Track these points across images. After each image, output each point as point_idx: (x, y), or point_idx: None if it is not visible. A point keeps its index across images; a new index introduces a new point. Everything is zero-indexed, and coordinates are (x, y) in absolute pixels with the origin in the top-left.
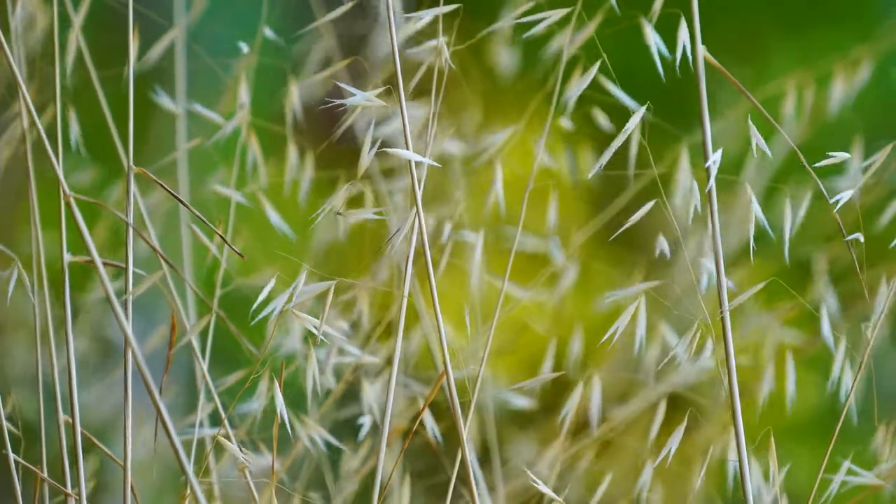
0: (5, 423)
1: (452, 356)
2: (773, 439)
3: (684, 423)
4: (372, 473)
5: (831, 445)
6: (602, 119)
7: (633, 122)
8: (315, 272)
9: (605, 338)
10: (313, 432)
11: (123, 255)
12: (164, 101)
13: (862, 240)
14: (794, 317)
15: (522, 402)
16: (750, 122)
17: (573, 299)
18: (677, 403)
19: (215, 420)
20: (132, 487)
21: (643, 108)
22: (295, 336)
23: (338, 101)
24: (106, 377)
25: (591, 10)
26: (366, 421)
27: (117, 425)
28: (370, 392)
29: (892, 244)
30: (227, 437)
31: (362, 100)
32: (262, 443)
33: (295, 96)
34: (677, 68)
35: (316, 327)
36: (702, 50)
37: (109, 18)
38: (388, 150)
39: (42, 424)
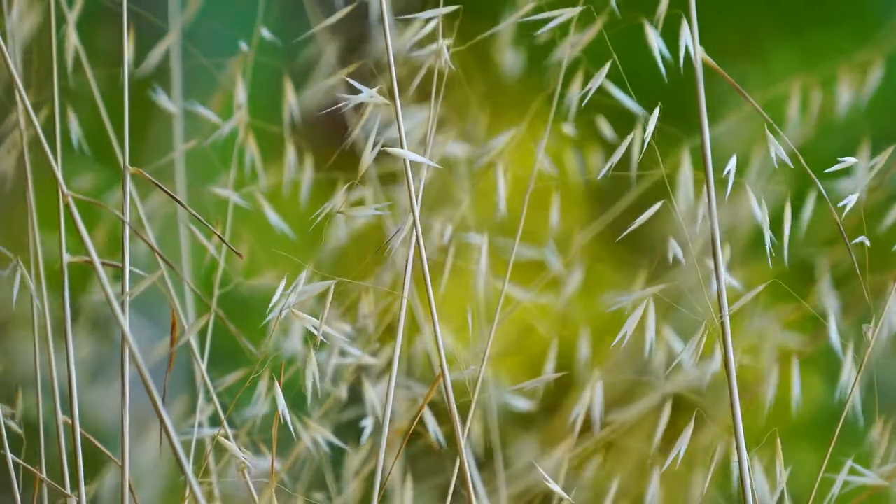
0: (7, 424)
1: (450, 358)
2: (778, 441)
3: (691, 426)
4: (373, 474)
5: (832, 445)
6: (606, 127)
7: (648, 131)
8: (317, 272)
9: (616, 342)
10: (315, 433)
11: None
12: (162, 100)
13: (868, 243)
14: (796, 319)
15: (523, 405)
16: (767, 131)
17: (576, 301)
18: (681, 405)
19: (217, 421)
20: (131, 488)
21: (654, 114)
22: (296, 337)
23: (339, 104)
24: (116, 378)
25: (592, 12)
26: (367, 423)
27: (134, 424)
28: (372, 393)
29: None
30: (227, 438)
31: (367, 97)
32: (263, 444)
33: (292, 97)
34: (680, 69)
35: (316, 328)
36: (699, 51)
37: (106, 18)
38: (389, 149)
39: (41, 425)
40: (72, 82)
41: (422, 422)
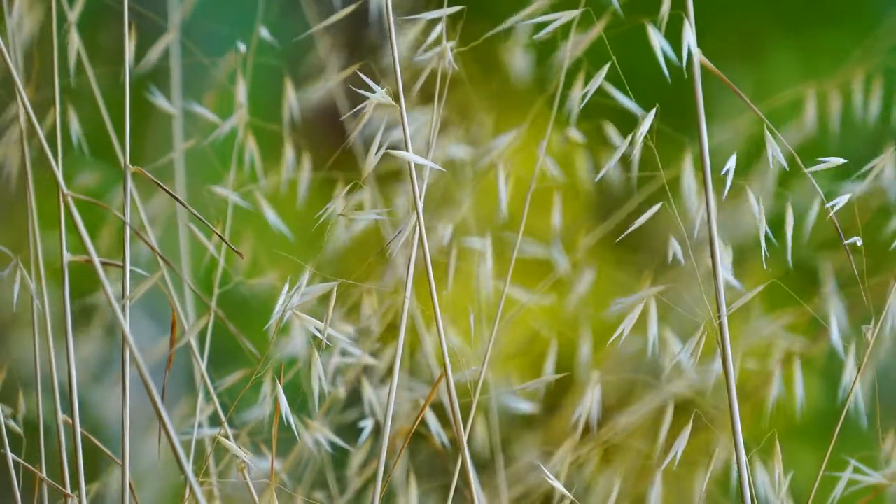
0: (8, 424)
1: (452, 359)
2: (777, 442)
3: (689, 427)
4: (374, 475)
5: (832, 445)
6: (609, 130)
7: (642, 131)
8: (318, 273)
9: (612, 340)
10: (317, 434)
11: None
12: (160, 101)
13: (860, 243)
14: (799, 321)
15: (525, 407)
16: (767, 132)
17: (578, 302)
18: (685, 407)
19: (217, 421)
20: (132, 488)
21: (650, 115)
22: (297, 338)
23: (343, 105)
24: (117, 378)
25: (595, 12)
26: (367, 423)
27: (136, 424)
28: (372, 394)
29: (893, 246)
30: (227, 438)
31: (378, 98)
32: (264, 444)
33: (293, 96)
34: (682, 70)
35: (319, 329)
36: (698, 53)
37: (106, 17)
38: (393, 152)
39: (41, 425)
40: (73, 82)
41: (424, 423)
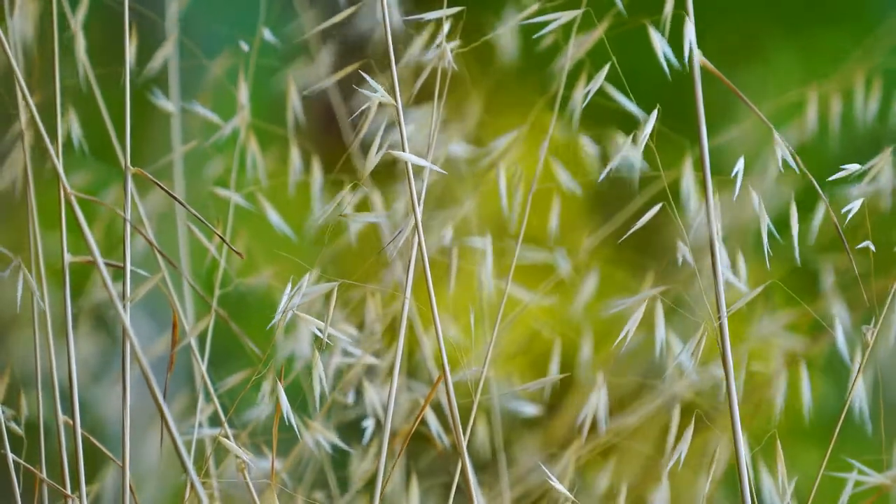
0: (8, 424)
1: (452, 359)
2: (778, 443)
3: (691, 428)
4: (375, 475)
5: (831, 446)
6: (610, 131)
7: (645, 133)
8: (319, 274)
9: (617, 342)
10: (318, 435)
11: (119, 255)
12: (161, 101)
13: (873, 248)
14: (803, 323)
15: (527, 409)
16: (776, 136)
17: (580, 303)
18: (689, 408)
19: (217, 421)
20: (132, 488)
21: (652, 116)
22: (299, 338)
23: (346, 106)
24: (117, 378)
25: (596, 12)
26: (369, 423)
27: (136, 425)
28: (374, 395)
29: None
30: (227, 438)
31: (380, 97)
32: (265, 444)
33: (295, 98)
34: (684, 70)
35: (321, 330)
36: (697, 55)
37: (105, 16)
38: (393, 152)
39: (41, 425)
40: (81, 84)
41: (424, 423)
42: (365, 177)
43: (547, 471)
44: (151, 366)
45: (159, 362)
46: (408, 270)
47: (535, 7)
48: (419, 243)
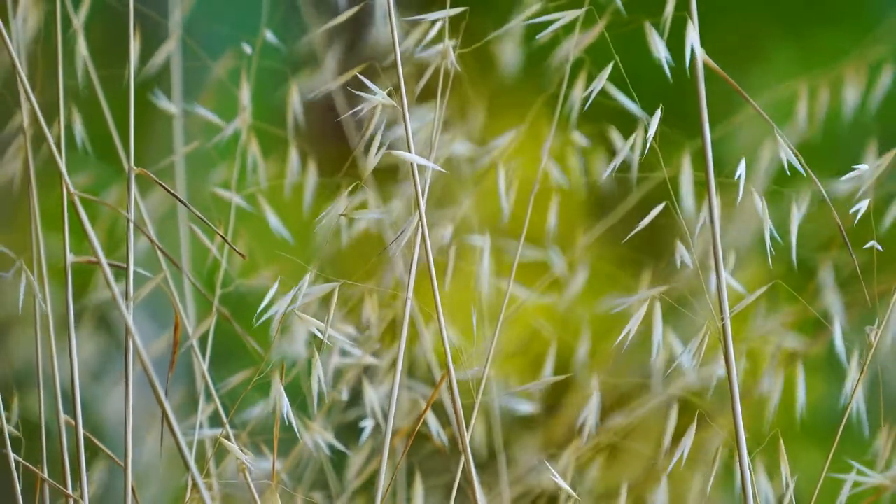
0: (8, 424)
1: (454, 358)
2: (781, 443)
3: (693, 428)
4: (375, 475)
5: (834, 446)
6: (612, 131)
7: (649, 135)
8: (319, 274)
9: (618, 342)
10: (317, 435)
11: (119, 256)
12: (162, 102)
13: (879, 248)
14: (802, 322)
15: (525, 408)
16: (778, 134)
17: (579, 302)
18: (688, 408)
19: (217, 421)
20: (133, 489)
21: (655, 116)
22: (298, 339)
23: (352, 107)
24: (118, 378)
25: (596, 12)
26: (367, 424)
27: (136, 424)
28: (374, 395)
29: None
30: (228, 438)
31: (380, 99)
32: (265, 445)
33: (296, 99)
34: (685, 70)
35: (321, 330)
36: (700, 53)
37: (108, 17)
38: (394, 152)
39: (42, 425)
40: (82, 87)
41: (425, 423)
42: (366, 176)
43: (551, 468)
44: (152, 366)
45: (160, 362)
46: (410, 268)
47: (535, 7)
48: (423, 241)
